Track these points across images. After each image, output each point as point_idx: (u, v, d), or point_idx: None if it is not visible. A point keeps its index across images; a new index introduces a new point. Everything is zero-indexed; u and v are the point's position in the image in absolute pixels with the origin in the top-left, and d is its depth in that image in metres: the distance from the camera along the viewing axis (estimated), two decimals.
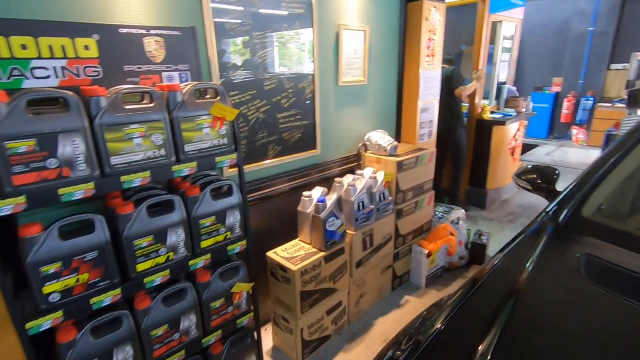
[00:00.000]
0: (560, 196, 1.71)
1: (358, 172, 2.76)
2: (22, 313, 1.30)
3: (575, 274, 1.28)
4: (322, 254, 2.30)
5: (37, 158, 1.21)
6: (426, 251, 3.05)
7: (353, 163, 3.03)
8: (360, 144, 3.03)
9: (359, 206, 2.54)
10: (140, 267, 1.53)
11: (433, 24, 3.21)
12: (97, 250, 1.41)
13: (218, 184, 1.76)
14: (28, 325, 1.29)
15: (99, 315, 1.49)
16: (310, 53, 2.49)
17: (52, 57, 1.44)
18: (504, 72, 5.29)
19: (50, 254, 1.31)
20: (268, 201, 2.47)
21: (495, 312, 1.15)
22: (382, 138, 2.94)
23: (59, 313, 1.35)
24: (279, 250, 2.36)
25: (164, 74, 1.76)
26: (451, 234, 3.23)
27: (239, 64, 2.13)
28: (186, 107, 1.55)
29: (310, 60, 2.50)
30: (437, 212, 3.49)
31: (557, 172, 1.96)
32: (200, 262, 1.72)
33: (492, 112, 4.73)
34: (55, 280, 1.34)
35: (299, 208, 2.42)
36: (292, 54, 2.40)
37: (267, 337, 2.57)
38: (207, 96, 1.70)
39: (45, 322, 1.33)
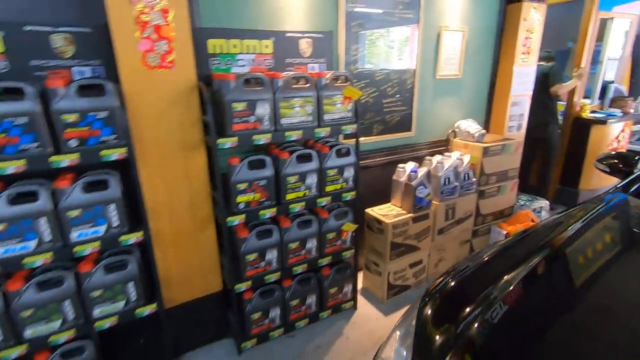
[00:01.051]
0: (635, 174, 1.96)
1: (446, 154, 3.19)
2: (225, 213, 2.09)
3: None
4: (410, 215, 2.81)
5: (245, 115, 1.97)
6: (505, 232, 3.34)
7: (441, 147, 3.45)
8: (449, 130, 3.44)
9: (445, 181, 2.98)
10: (288, 196, 2.25)
11: (531, 23, 3.44)
12: (266, 180, 2.15)
13: (341, 146, 2.40)
14: (228, 219, 2.08)
15: (260, 225, 2.26)
16: (413, 50, 2.99)
17: (248, 53, 2.23)
18: (612, 70, 5.06)
19: (243, 178, 2.08)
20: (367, 170, 3.06)
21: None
22: (470, 126, 3.31)
23: (243, 216, 2.13)
24: (375, 209, 2.93)
25: (309, 65, 2.47)
26: (532, 220, 3.45)
27: (358, 59, 2.74)
28: (328, 88, 2.20)
29: (413, 56, 3.01)
30: (520, 200, 3.70)
31: (637, 157, 2.17)
32: (323, 201, 2.38)
33: (593, 112, 4.63)
34: (243, 195, 2.11)
35: (394, 177, 2.96)
36: (399, 51, 2.94)
37: (359, 281, 3.17)
38: (339, 82, 2.34)
39: (235, 220, 2.11)
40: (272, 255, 2.30)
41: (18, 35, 1.71)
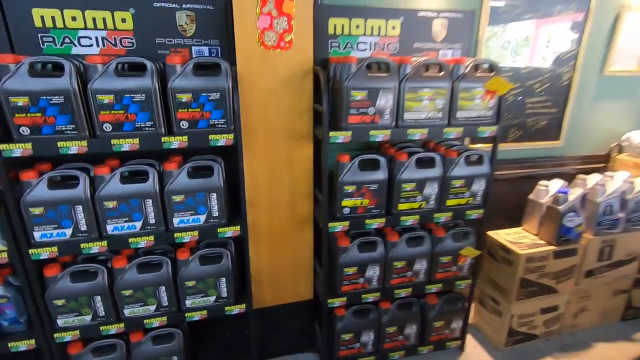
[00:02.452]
0: None
1: (607, 173, 2.43)
2: (327, 217, 1.83)
3: None
4: (552, 247, 2.19)
5: (364, 105, 1.67)
6: None
7: (598, 164, 2.67)
8: (613, 144, 2.64)
9: (605, 210, 2.26)
10: (401, 206, 1.88)
11: None
12: (378, 185, 1.82)
13: (473, 153, 1.93)
14: (330, 224, 1.82)
15: (363, 236, 1.94)
16: (577, 37, 2.32)
17: (371, 35, 1.92)
18: None
19: (351, 179, 1.79)
20: (495, 184, 2.49)
21: None
22: None
23: (346, 223, 1.84)
24: (501, 233, 2.37)
25: (441, 51, 2.05)
26: None
27: (500, 45, 2.21)
28: (466, 79, 1.77)
29: (576, 44, 2.34)
30: None
31: None
32: (442, 217, 1.96)
33: None
34: (349, 199, 1.82)
35: (531, 196, 2.35)
36: (556, 37, 2.31)
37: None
38: (480, 71, 1.87)
39: (338, 226, 1.83)
40: (373, 272, 1.97)
41: (147, 11, 1.69)
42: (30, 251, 1.55)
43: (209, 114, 1.58)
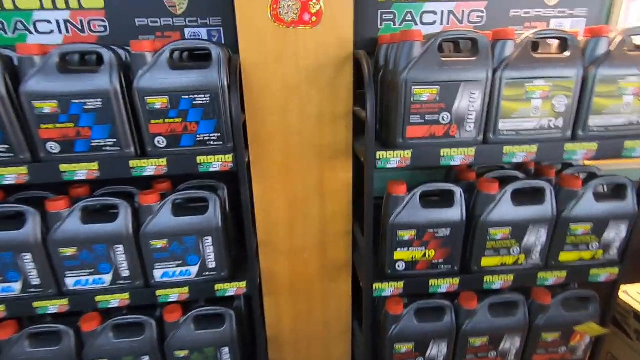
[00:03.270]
0: None
1: None
2: (370, 274, 1.24)
3: None
4: None
5: (434, 109, 1.04)
6: None
7: None
8: None
9: None
10: (486, 261, 1.24)
11: None
12: (450, 228, 1.19)
13: (607, 180, 1.22)
14: (375, 285, 1.23)
15: (424, 298, 1.32)
16: None
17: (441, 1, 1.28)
18: None
19: (409, 220, 1.18)
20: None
21: None
22: None
23: (400, 284, 1.24)
24: (631, 288, 1.61)
25: (552, 21, 1.34)
26: None
27: None
28: (611, 61, 1.06)
29: None
30: None
31: None
32: (551, 277, 1.27)
33: None
34: (405, 249, 1.21)
35: None
36: None
37: None
38: (625, 49, 1.14)
39: (387, 289, 1.24)
40: (438, 350, 1.35)
41: None
42: None
43: (195, 125, 1.06)
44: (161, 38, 1.29)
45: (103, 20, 1.25)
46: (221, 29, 1.31)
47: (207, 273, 1.24)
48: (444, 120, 1.05)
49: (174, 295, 1.24)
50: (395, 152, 1.07)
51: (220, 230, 1.20)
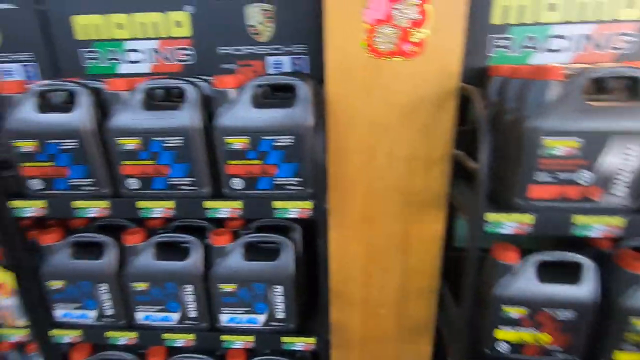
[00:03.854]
0: None
1: None
2: (465, 350, 1.03)
3: None
4: None
5: (570, 166, 0.81)
6: None
7: None
8: None
9: None
10: (622, 358, 0.95)
11: None
12: (576, 309, 0.94)
13: None
14: None
15: None
16: None
17: (579, 22, 1.03)
18: None
19: (521, 294, 0.95)
20: None
21: None
22: None
23: None
24: None
25: None
26: None
27: None
28: None
29: None
30: None
31: None
32: None
33: None
34: (512, 327, 0.98)
35: None
36: None
37: None
38: None
39: None
40: None
41: (209, 7, 1.17)
42: (52, 334, 1.19)
43: (275, 168, 0.96)
44: (243, 66, 1.22)
45: (189, 49, 1.22)
46: (306, 56, 1.20)
47: (275, 324, 1.13)
48: (582, 180, 0.82)
49: (238, 342, 1.15)
50: (511, 214, 0.86)
51: (291, 279, 1.08)
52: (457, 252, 1.39)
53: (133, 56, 1.24)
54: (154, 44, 1.22)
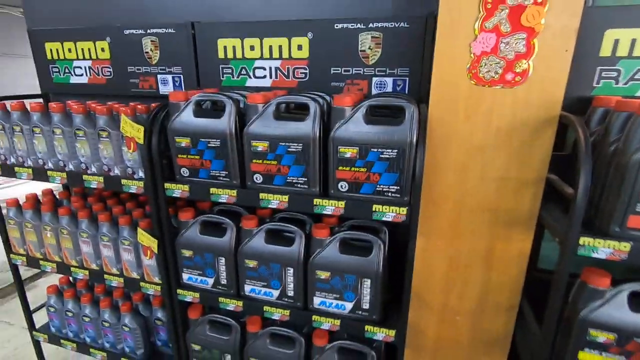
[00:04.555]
0: None
1: None
2: None
3: None
4: None
5: None
6: None
7: None
8: None
9: None
10: None
11: None
12: None
13: None
14: None
15: None
16: None
17: None
18: None
19: (611, 320, 0.97)
20: None
21: None
22: None
23: None
24: None
25: None
26: None
27: None
28: None
29: None
30: None
31: None
32: None
33: None
34: (598, 353, 1.00)
35: None
36: None
37: None
38: None
39: None
40: None
41: (326, 35, 1.37)
42: (179, 292, 1.49)
43: (378, 176, 1.11)
44: (351, 85, 1.40)
45: (305, 68, 1.43)
46: (407, 79, 1.34)
47: (360, 312, 1.28)
48: None
49: (326, 324, 1.32)
50: (607, 241, 0.90)
51: (379, 275, 1.22)
52: (539, 272, 1.42)
53: (259, 73, 1.50)
54: (277, 63, 1.46)
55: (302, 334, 1.44)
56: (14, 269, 1.80)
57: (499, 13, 1.01)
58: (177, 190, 1.34)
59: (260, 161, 1.21)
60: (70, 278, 1.89)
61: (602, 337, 0.99)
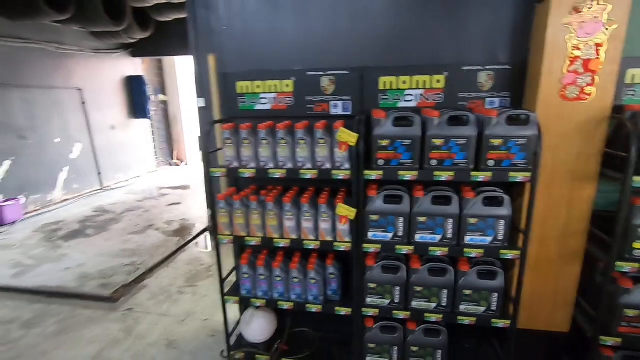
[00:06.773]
0: None
1: None
2: (613, 256, 1.91)
3: None
4: None
5: None
6: None
7: None
8: None
9: None
10: None
11: None
12: None
13: None
14: (617, 264, 1.90)
15: None
16: None
17: None
18: None
19: None
20: None
21: None
22: None
23: (636, 265, 1.88)
24: None
25: None
26: None
27: None
28: None
29: None
30: None
31: None
32: None
33: None
34: None
35: None
36: None
37: None
38: None
39: (625, 267, 1.89)
40: None
41: (456, 74, 2.20)
42: (364, 246, 2.20)
43: (514, 155, 1.93)
44: (471, 104, 2.23)
45: (440, 94, 2.25)
46: (509, 98, 2.19)
47: (496, 242, 2.07)
48: None
49: (474, 253, 2.10)
50: None
51: (509, 217, 2.03)
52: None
53: (407, 98, 2.29)
54: (421, 91, 2.26)
55: (451, 263, 2.20)
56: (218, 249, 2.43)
57: (577, 62, 1.89)
58: (374, 174, 2.08)
59: (437, 151, 1.99)
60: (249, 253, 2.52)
61: None
